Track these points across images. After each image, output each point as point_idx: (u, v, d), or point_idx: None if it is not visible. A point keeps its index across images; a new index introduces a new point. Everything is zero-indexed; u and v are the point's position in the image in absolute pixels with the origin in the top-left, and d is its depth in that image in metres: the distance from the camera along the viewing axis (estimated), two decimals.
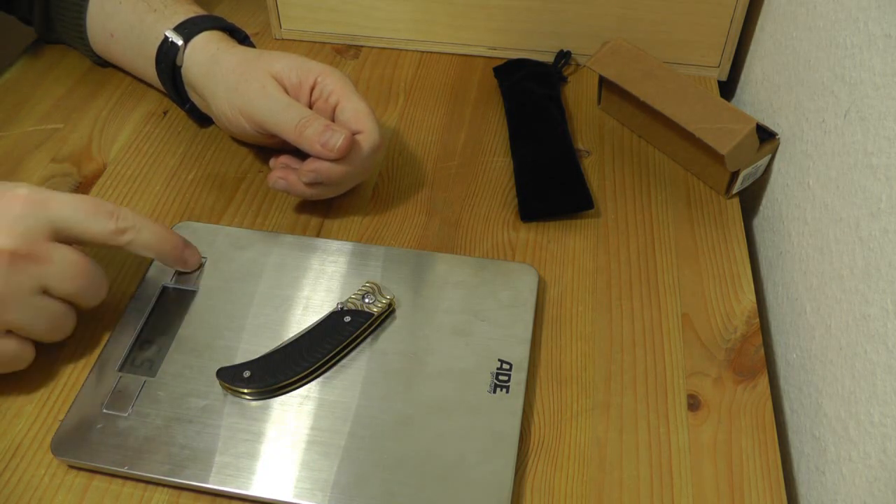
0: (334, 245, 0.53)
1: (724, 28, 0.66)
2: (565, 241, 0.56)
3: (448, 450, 0.43)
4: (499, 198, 0.59)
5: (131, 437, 0.43)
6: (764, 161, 0.58)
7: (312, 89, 0.54)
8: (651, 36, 0.67)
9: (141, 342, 0.48)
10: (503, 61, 0.70)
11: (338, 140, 0.51)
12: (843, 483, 0.43)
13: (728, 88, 0.72)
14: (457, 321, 0.49)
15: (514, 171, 0.60)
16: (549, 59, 0.70)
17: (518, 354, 0.47)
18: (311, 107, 0.54)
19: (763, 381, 0.48)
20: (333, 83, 0.54)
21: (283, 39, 0.73)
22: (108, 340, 0.48)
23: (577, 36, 0.69)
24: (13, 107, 0.66)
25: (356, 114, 0.53)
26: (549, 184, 0.58)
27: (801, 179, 0.54)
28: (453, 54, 0.72)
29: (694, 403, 0.47)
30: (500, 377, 0.46)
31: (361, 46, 0.73)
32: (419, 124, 0.65)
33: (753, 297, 0.53)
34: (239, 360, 0.46)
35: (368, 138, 0.53)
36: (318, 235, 0.56)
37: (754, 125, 0.55)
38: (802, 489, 0.48)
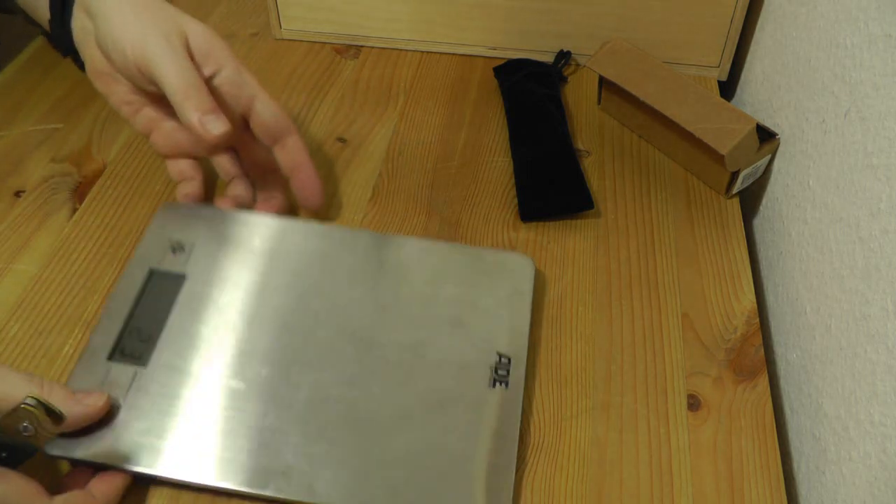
0: (328, 229, 0.52)
1: (724, 28, 0.66)
2: (565, 241, 0.56)
3: (449, 445, 0.43)
4: (499, 198, 0.59)
5: (125, 432, 0.42)
6: (764, 161, 0.58)
7: (216, 72, 0.50)
8: (651, 36, 0.67)
9: (130, 329, 0.46)
10: (503, 61, 0.70)
11: (219, 128, 0.48)
12: (843, 483, 0.43)
13: (728, 88, 0.72)
14: (454, 312, 0.48)
15: (514, 171, 0.60)
16: (549, 59, 0.70)
17: (517, 348, 0.47)
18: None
19: (763, 381, 0.48)
20: (248, 77, 0.50)
21: (283, 39, 0.73)
22: (95, 327, 0.47)
23: (577, 36, 0.69)
24: (13, 107, 0.66)
25: (280, 115, 0.51)
26: (549, 184, 0.58)
27: (801, 179, 0.54)
28: (453, 54, 0.72)
29: (694, 403, 0.47)
30: (500, 371, 0.46)
31: (361, 46, 0.73)
32: (419, 124, 0.65)
33: (753, 297, 0.53)
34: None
35: (299, 141, 0.51)
36: None
37: (754, 125, 0.55)
38: (802, 489, 0.48)
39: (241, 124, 0.52)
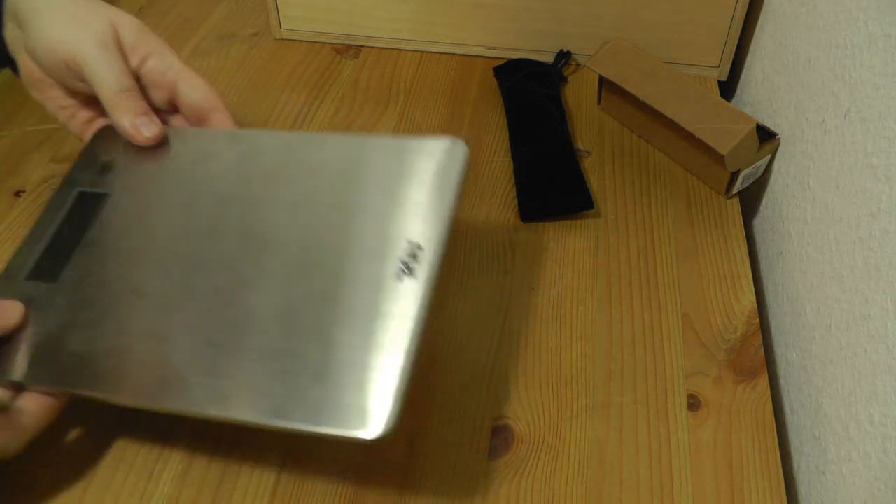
0: (246, 133, 0.50)
1: (724, 28, 0.66)
2: (565, 241, 0.56)
3: (333, 344, 0.39)
4: (499, 198, 0.59)
5: (23, 346, 0.42)
6: (764, 161, 0.58)
7: (143, 62, 0.50)
8: (651, 36, 0.67)
9: (50, 249, 0.46)
10: (503, 61, 0.70)
11: (152, 131, 0.48)
12: (843, 483, 0.43)
13: (728, 88, 0.72)
14: (369, 203, 0.44)
15: (513, 171, 0.60)
16: (549, 59, 0.70)
17: (431, 235, 0.42)
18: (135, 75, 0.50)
19: (763, 381, 0.48)
20: (173, 61, 0.50)
21: (283, 39, 0.74)
22: (16, 251, 0.46)
23: (577, 36, 0.69)
24: (13, 107, 0.66)
25: (206, 93, 0.50)
26: (549, 184, 0.58)
27: (801, 179, 0.54)
28: (453, 54, 0.72)
29: (694, 403, 0.47)
30: (406, 262, 0.41)
31: (361, 46, 0.73)
32: (419, 124, 0.65)
33: (753, 297, 0.53)
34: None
35: (227, 116, 0.50)
36: None
37: (754, 125, 0.55)
38: (802, 489, 0.48)
39: (172, 109, 0.52)
